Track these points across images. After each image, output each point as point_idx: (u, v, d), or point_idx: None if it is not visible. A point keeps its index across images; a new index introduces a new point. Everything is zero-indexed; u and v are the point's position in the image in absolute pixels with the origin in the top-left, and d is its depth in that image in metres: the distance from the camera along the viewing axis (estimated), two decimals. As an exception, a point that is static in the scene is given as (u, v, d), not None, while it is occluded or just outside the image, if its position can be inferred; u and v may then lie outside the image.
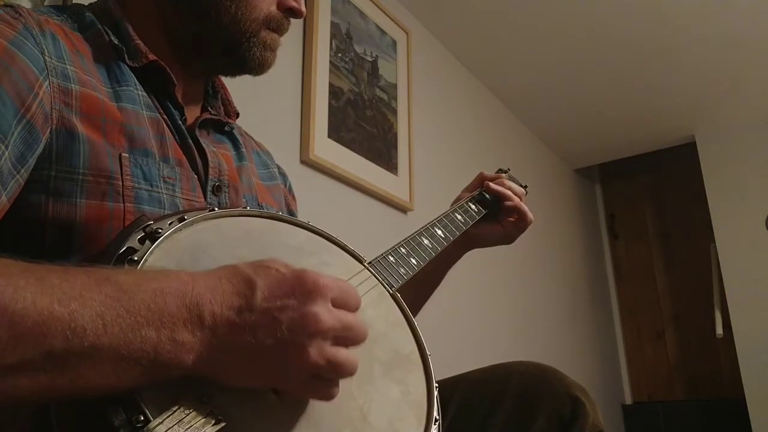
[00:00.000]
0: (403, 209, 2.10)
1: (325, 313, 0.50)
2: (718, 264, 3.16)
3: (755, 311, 2.99)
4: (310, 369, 0.49)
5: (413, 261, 0.81)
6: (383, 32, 2.18)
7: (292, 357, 0.48)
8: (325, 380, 0.51)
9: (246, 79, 0.82)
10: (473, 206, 1.06)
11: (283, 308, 0.49)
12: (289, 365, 0.48)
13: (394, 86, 2.18)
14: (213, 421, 0.46)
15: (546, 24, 2.48)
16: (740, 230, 3.08)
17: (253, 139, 0.94)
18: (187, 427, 0.44)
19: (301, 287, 0.50)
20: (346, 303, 0.53)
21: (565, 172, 3.59)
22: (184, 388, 0.47)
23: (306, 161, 1.72)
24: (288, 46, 1.78)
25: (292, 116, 1.75)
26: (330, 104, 1.85)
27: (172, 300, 0.46)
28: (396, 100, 2.17)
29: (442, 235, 0.93)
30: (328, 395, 0.51)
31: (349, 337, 0.52)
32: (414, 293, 0.73)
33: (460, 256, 1.10)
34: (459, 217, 1.01)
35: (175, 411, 0.45)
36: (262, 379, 0.49)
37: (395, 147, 2.11)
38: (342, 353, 0.50)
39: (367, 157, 1.96)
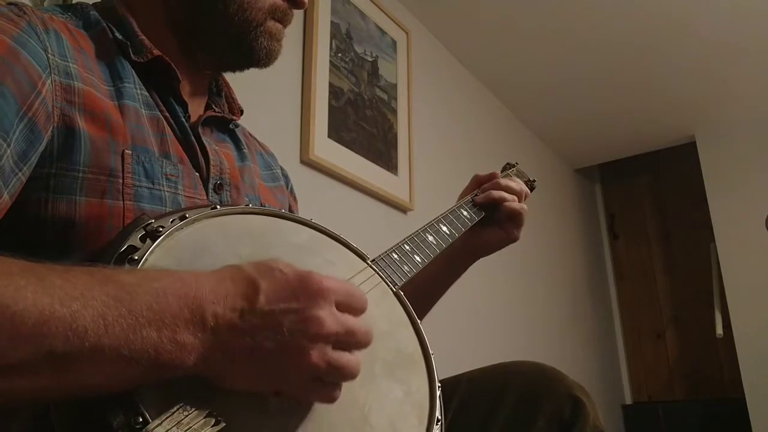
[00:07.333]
0: (403, 209, 2.10)
1: (329, 318, 0.49)
2: (718, 264, 3.15)
3: (755, 311, 2.99)
4: (311, 372, 0.49)
5: (417, 258, 0.80)
6: (383, 32, 2.18)
7: (293, 360, 0.48)
8: (327, 383, 0.50)
9: (246, 78, 0.82)
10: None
11: (286, 312, 0.48)
12: (290, 369, 0.48)
13: (394, 86, 2.18)
14: (213, 422, 0.45)
15: (546, 24, 2.48)
16: (740, 230, 3.08)
17: (257, 140, 0.94)
18: (186, 428, 0.44)
19: (305, 291, 0.50)
20: (350, 306, 0.52)
21: (565, 172, 3.58)
22: (184, 389, 0.46)
23: (306, 161, 1.72)
24: (288, 46, 1.77)
25: (292, 116, 1.75)
26: (330, 104, 1.85)
27: (175, 300, 0.46)
28: (396, 100, 2.17)
29: (447, 232, 0.92)
30: (329, 397, 0.51)
31: (351, 342, 0.51)
32: (415, 304, 0.72)
33: (467, 268, 1.07)
34: (464, 213, 0.99)
35: (174, 412, 0.45)
36: (263, 382, 0.49)
37: (395, 147, 2.11)
38: (344, 357, 0.50)
39: (367, 157, 1.95)
